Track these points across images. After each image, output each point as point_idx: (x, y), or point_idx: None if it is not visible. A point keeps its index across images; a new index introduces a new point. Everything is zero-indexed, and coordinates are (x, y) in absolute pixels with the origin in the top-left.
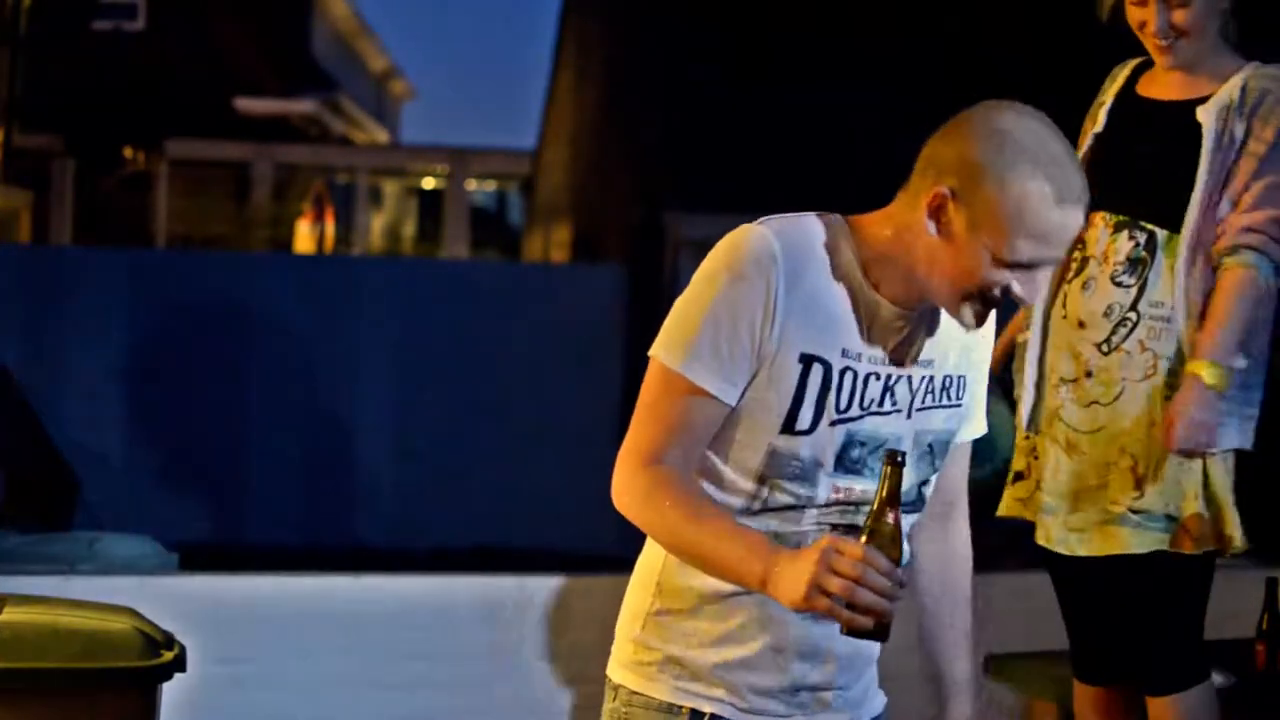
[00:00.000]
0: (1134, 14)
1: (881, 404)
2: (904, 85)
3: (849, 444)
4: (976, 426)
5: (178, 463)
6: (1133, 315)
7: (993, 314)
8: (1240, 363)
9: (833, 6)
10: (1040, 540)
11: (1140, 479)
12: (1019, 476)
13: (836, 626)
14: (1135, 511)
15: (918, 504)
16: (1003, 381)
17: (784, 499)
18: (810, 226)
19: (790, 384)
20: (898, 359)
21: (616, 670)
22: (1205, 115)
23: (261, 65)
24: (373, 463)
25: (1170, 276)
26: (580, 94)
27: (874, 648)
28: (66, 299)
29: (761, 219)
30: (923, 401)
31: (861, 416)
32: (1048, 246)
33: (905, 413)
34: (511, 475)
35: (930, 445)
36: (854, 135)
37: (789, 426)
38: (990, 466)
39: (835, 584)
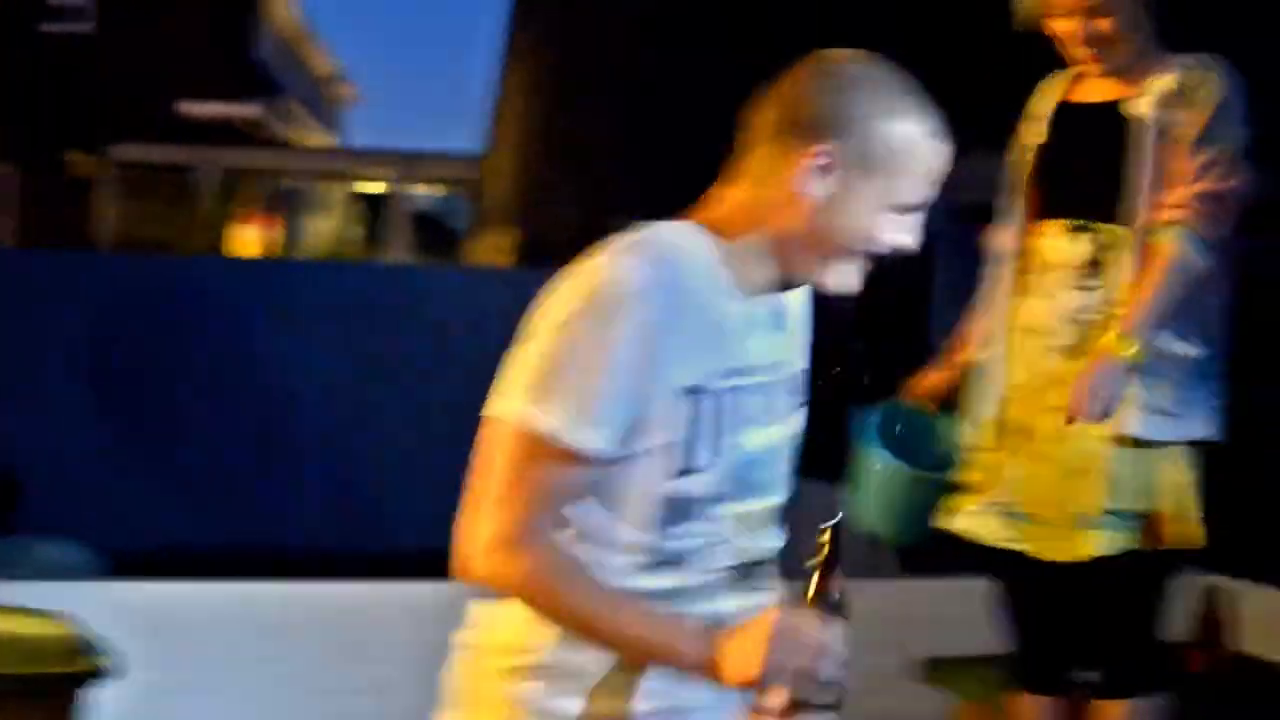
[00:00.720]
0: (1060, 25)
1: (768, 414)
2: None
3: (750, 465)
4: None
5: (115, 468)
6: (1095, 317)
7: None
8: (1179, 347)
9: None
10: (1011, 547)
11: (1109, 481)
12: (967, 489)
13: None
14: (1107, 513)
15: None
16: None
17: (689, 544)
18: (673, 240)
19: (680, 422)
20: (768, 363)
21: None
22: (1141, 108)
23: (206, 69)
24: (316, 467)
25: (1124, 274)
26: (527, 98)
27: None
28: (10, 302)
29: (621, 244)
30: (789, 403)
31: (755, 433)
32: (931, 186)
33: (784, 419)
34: (456, 478)
35: (793, 450)
36: None
37: (688, 467)
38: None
39: (799, 660)
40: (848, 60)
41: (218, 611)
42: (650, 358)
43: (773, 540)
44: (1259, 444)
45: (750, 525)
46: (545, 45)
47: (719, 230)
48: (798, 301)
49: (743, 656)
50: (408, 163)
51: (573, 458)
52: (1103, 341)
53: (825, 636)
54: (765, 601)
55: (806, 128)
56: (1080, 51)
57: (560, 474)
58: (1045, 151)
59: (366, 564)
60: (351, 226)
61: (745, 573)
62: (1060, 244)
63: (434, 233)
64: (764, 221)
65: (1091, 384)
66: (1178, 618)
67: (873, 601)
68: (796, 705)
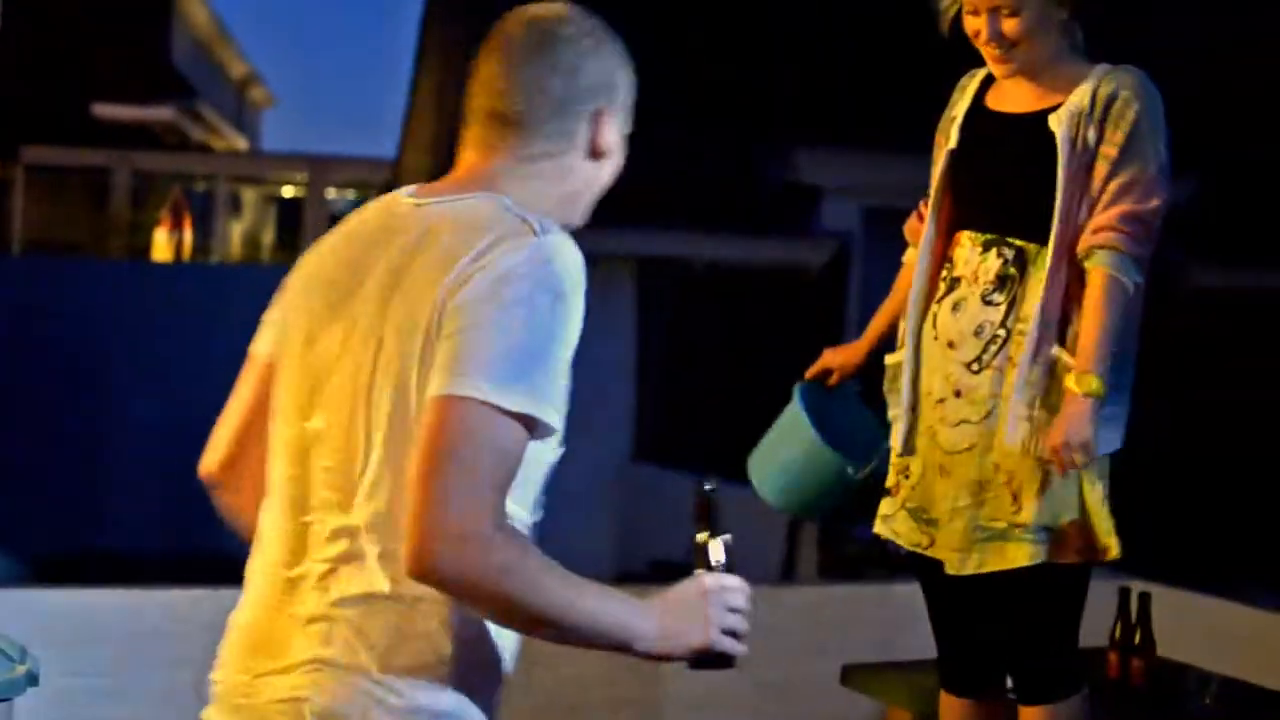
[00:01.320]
0: (969, 23)
1: None
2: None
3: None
4: None
5: (32, 472)
6: (1002, 332)
7: None
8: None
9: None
10: (923, 553)
11: (1016, 493)
12: (886, 493)
13: None
14: (1014, 525)
15: None
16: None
17: (537, 521)
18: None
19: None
20: None
21: None
22: (1057, 124)
23: (120, 71)
24: None
25: (1035, 290)
26: (442, 102)
27: None
28: None
29: (535, 225)
30: None
31: None
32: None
33: None
34: None
35: None
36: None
37: (561, 443)
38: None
39: (732, 620)
40: (553, 19)
41: (143, 618)
42: (575, 338)
43: None
44: (1175, 451)
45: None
46: (458, 51)
47: (533, 205)
48: None
49: (689, 625)
50: (322, 167)
51: (534, 436)
52: (1068, 385)
53: (742, 593)
54: None
55: (578, 94)
56: (986, 50)
57: (519, 454)
58: (957, 158)
59: None
60: (265, 230)
61: None
62: (971, 256)
63: None
64: (563, 192)
65: (1068, 433)
66: (1096, 622)
67: (796, 607)
68: (714, 660)
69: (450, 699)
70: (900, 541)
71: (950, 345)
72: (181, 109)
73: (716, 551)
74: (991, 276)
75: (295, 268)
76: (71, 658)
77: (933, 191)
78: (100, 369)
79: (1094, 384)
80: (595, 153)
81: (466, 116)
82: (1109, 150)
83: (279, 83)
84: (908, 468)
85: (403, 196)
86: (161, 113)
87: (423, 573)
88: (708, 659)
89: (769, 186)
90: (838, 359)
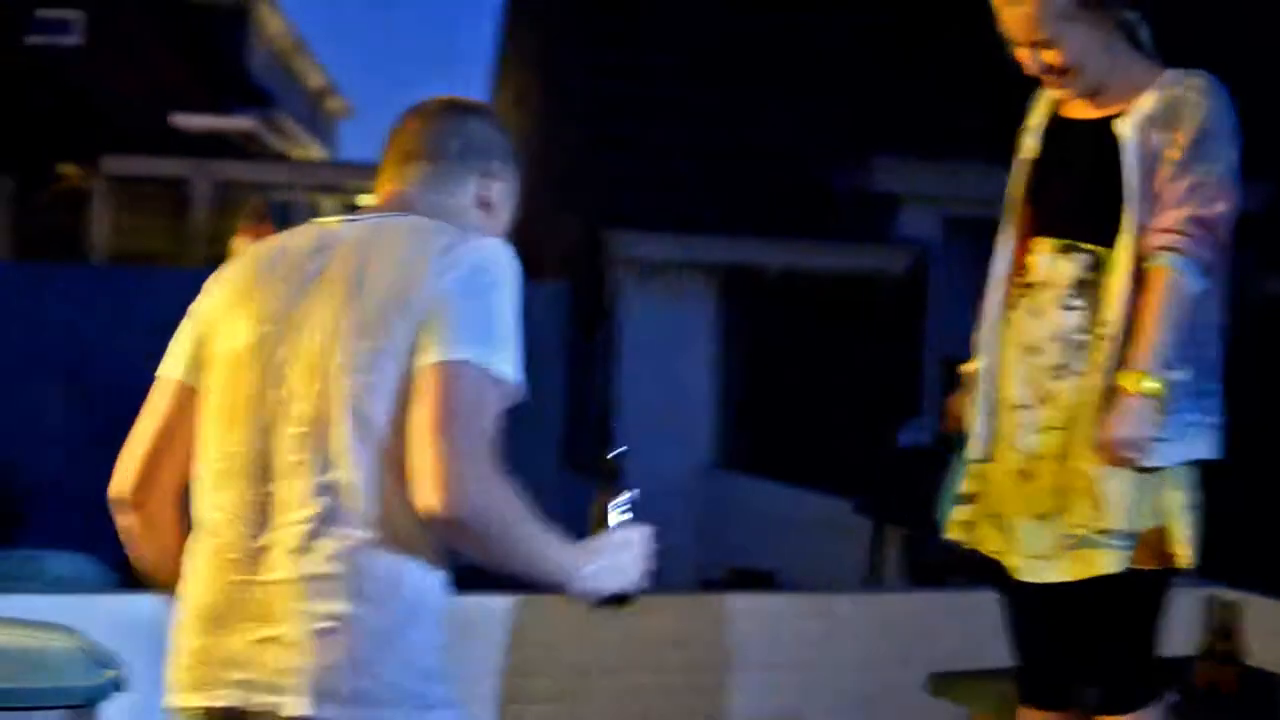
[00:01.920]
0: (1017, 54)
1: None
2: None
3: None
4: None
5: None
6: (1085, 338)
7: None
8: (1175, 374)
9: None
10: (1002, 561)
11: (1099, 500)
12: (966, 500)
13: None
14: (1100, 532)
15: None
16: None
17: None
18: None
19: None
20: None
21: (448, 712)
22: (1124, 129)
23: (198, 81)
24: None
25: (1112, 294)
26: (519, 111)
27: None
28: (5, 315)
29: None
30: None
31: None
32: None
33: None
34: None
35: None
36: (783, 152)
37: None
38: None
39: (644, 565)
40: (451, 102)
41: None
42: None
43: None
44: (1264, 459)
45: None
46: (534, 58)
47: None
48: None
49: (629, 565)
50: None
51: (507, 398)
52: (1117, 382)
53: (651, 542)
54: None
55: (473, 155)
56: (1042, 79)
57: (501, 413)
58: (1037, 167)
59: None
60: None
61: None
62: (1049, 262)
63: None
64: (458, 222)
65: (1122, 429)
66: (1185, 631)
67: (882, 615)
68: (620, 599)
69: (438, 633)
70: (981, 549)
71: (1031, 351)
72: (260, 119)
73: (622, 510)
74: (1069, 282)
75: (207, 295)
76: (159, 664)
77: (1012, 200)
78: None
79: (1147, 382)
80: (485, 203)
81: (384, 162)
82: (1174, 153)
83: (355, 92)
84: (985, 474)
85: (320, 221)
86: (240, 122)
87: (447, 514)
88: (614, 599)
89: (848, 194)
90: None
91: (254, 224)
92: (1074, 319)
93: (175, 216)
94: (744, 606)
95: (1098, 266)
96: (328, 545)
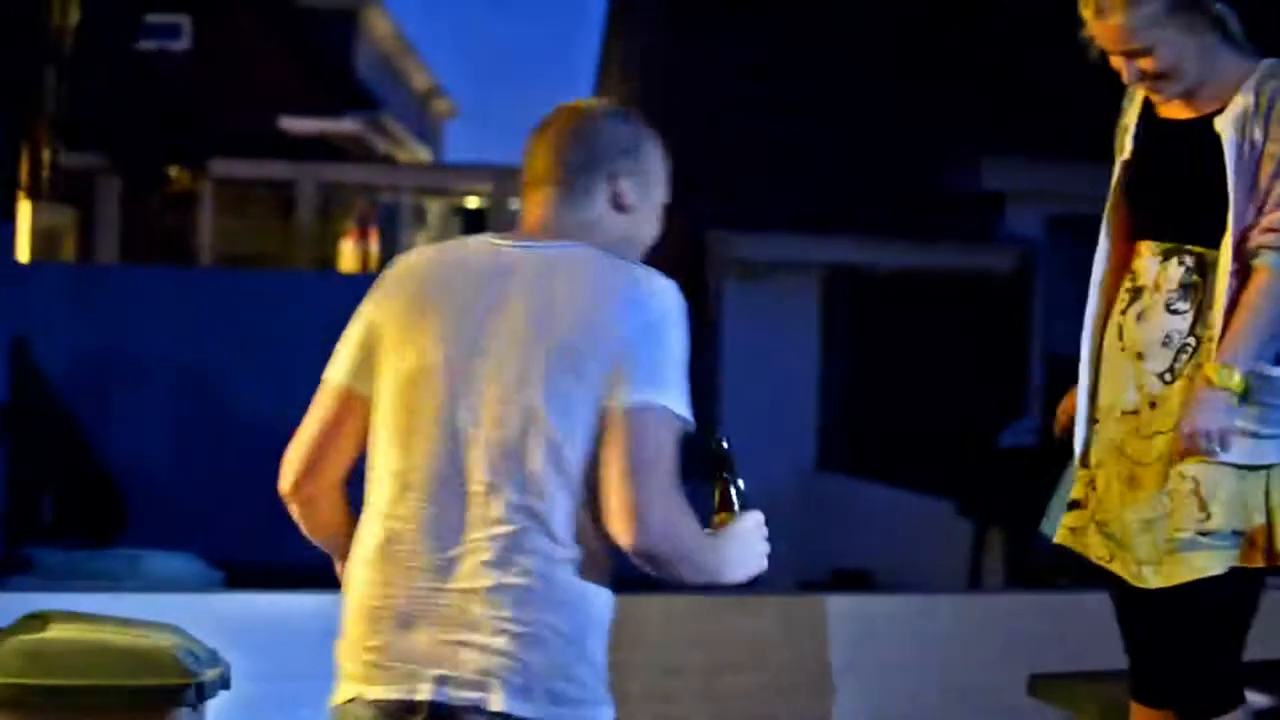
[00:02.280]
0: (1112, 62)
1: None
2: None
3: None
4: None
5: (223, 480)
6: (1191, 341)
7: None
8: (1270, 368)
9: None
10: (1109, 568)
11: (1204, 501)
12: (1075, 505)
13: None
14: (1203, 534)
15: None
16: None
17: None
18: None
19: None
20: None
21: (609, 710)
22: (1223, 127)
23: (305, 85)
24: None
25: (1217, 296)
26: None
27: None
28: (112, 317)
29: (640, 266)
30: None
31: None
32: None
33: None
34: None
35: None
36: (884, 153)
37: None
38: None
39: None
40: (587, 108)
41: (331, 623)
42: None
43: None
44: None
45: None
46: (640, 58)
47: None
48: None
49: (749, 558)
50: (505, 177)
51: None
52: (1203, 373)
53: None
54: None
55: (595, 165)
56: (1139, 86)
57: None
58: (1133, 168)
59: None
60: (451, 240)
61: None
62: (1154, 266)
63: None
64: (603, 236)
65: (1199, 420)
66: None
67: (984, 617)
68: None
69: (605, 641)
70: (1089, 555)
71: (1140, 356)
72: (366, 121)
73: (737, 495)
74: (1175, 285)
75: (375, 301)
76: (262, 662)
77: (1111, 201)
78: (287, 378)
79: (1232, 377)
80: (620, 207)
81: (524, 184)
82: (1275, 148)
83: (461, 94)
84: (1094, 480)
85: (491, 240)
86: (346, 125)
87: (641, 548)
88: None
89: (955, 194)
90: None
91: (360, 227)
92: (1180, 323)
93: (281, 219)
94: (844, 608)
95: (1202, 269)
96: (523, 560)
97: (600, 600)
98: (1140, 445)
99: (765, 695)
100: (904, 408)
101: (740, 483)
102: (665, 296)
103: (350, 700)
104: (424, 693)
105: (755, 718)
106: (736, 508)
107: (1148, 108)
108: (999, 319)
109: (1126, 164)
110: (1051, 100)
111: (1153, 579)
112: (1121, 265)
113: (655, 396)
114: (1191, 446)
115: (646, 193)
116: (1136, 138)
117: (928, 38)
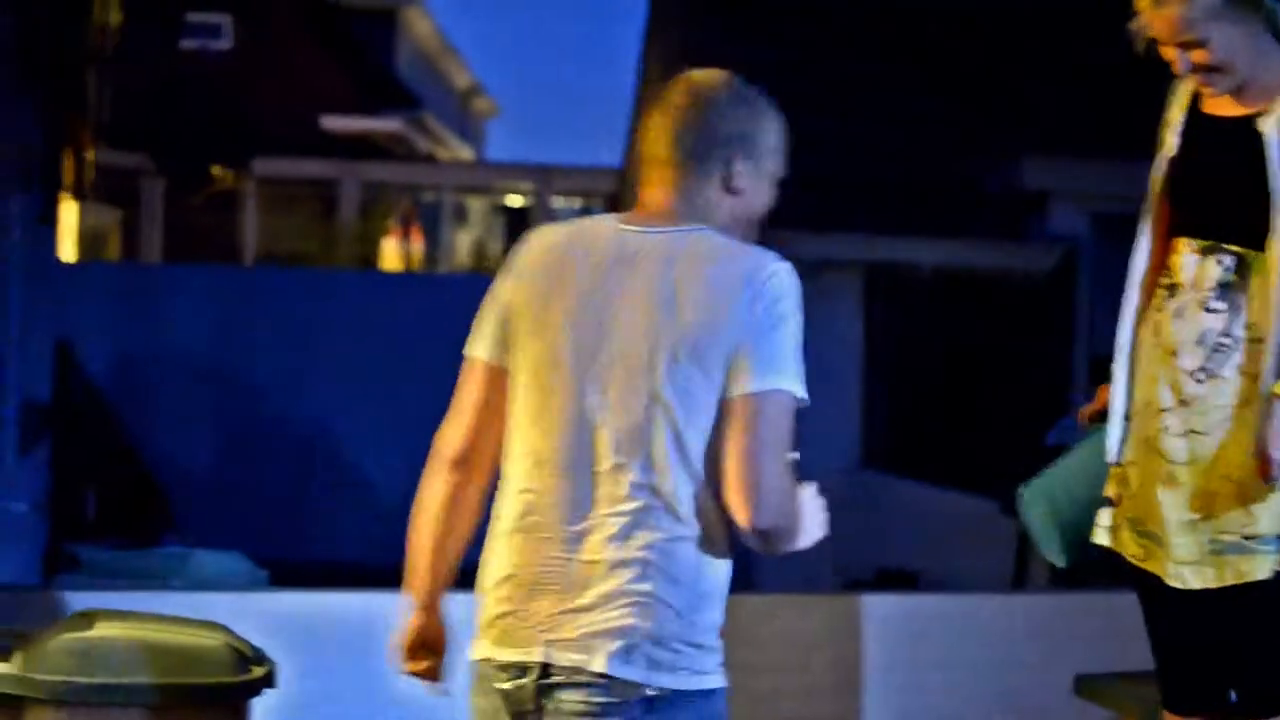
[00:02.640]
0: (1163, 53)
1: None
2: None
3: None
4: None
5: (268, 479)
6: (1228, 340)
7: None
8: None
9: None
10: (1144, 566)
11: (1249, 505)
12: (1109, 503)
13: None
14: (1248, 538)
15: None
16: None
17: None
18: None
19: None
20: None
21: (717, 678)
22: (1268, 128)
23: (347, 84)
24: None
25: (1262, 298)
26: None
27: None
28: (156, 316)
29: (760, 249)
30: None
31: None
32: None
33: None
34: None
35: None
36: (937, 151)
37: None
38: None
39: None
40: (704, 82)
41: (377, 621)
42: None
43: None
44: None
45: None
46: (681, 58)
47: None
48: None
49: (813, 525)
50: (547, 176)
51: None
52: (1273, 390)
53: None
54: None
55: (709, 149)
56: (1191, 79)
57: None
58: (1176, 165)
59: None
60: (492, 239)
61: None
62: (1193, 263)
63: None
64: (717, 217)
65: (1277, 446)
66: None
67: (1028, 616)
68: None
69: (720, 615)
70: (1123, 552)
71: (1174, 354)
72: (408, 120)
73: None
74: (1213, 284)
75: (508, 281)
76: (307, 660)
77: (1151, 198)
78: (330, 377)
79: None
80: (731, 190)
81: (642, 161)
82: None
83: (502, 92)
84: (1127, 477)
85: (615, 223)
86: (388, 124)
87: (760, 528)
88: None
89: (998, 192)
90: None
91: (401, 225)
92: (1216, 322)
93: (324, 218)
94: (889, 607)
95: (1241, 269)
96: (644, 536)
97: (718, 575)
98: (1175, 444)
99: (809, 695)
100: (948, 406)
101: (795, 455)
102: (782, 279)
103: (485, 659)
104: (536, 655)
105: (799, 718)
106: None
107: (1194, 104)
108: (1043, 317)
109: (1171, 160)
110: (1095, 98)
111: (1194, 580)
112: (1160, 262)
113: (775, 381)
114: (1273, 472)
115: (758, 171)
116: (1182, 134)
117: (970, 34)
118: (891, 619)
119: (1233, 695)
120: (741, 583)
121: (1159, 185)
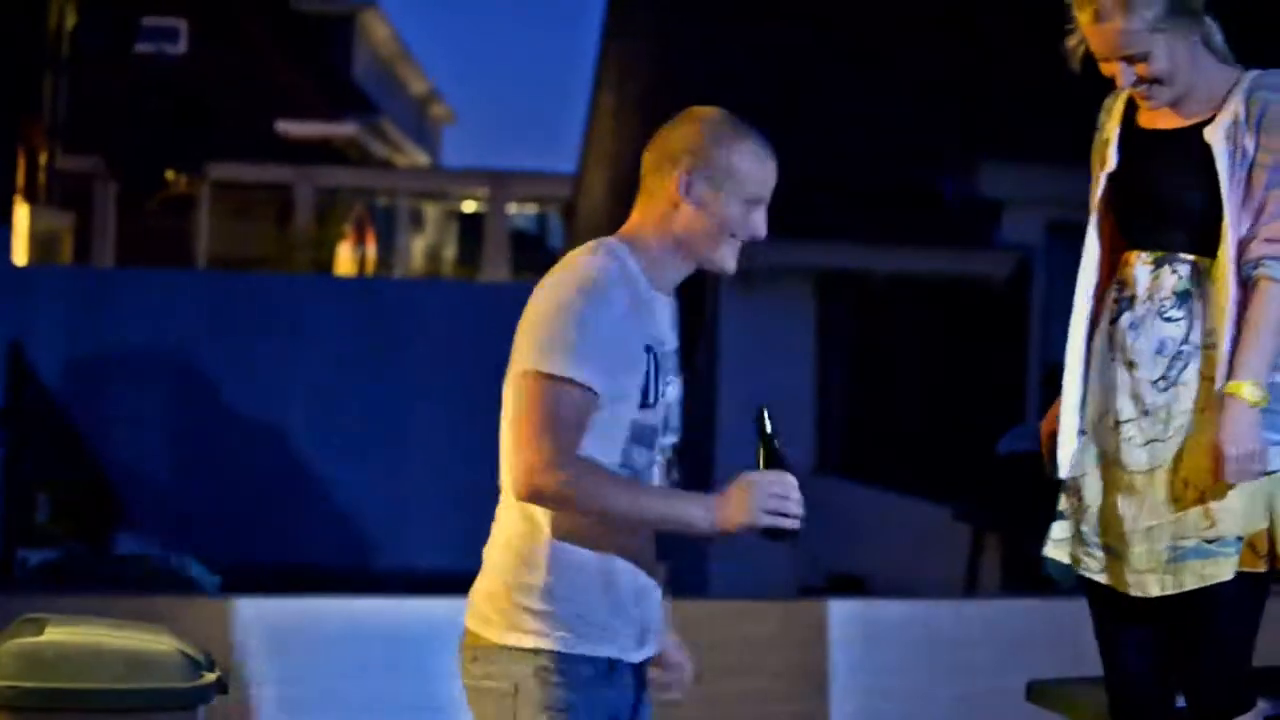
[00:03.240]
0: (1104, 68)
1: (668, 375)
2: (951, 99)
3: (670, 408)
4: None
5: (221, 484)
6: (1186, 348)
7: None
8: (1273, 374)
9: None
10: (1102, 580)
11: (1208, 509)
12: (1059, 516)
13: (647, 571)
14: (1209, 541)
15: (669, 451)
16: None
17: (639, 464)
18: (617, 249)
19: (642, 369)
20: (669, 338)
21: (525, 637)
22: (1214, 137)
23: (303, 88)
24: (416, 485)
25: (1218, 304)
26: (621, 116)
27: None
28: (109, 320)
29: (587, 252)
30: (672, 370)
31: (667, 388)
32: (764, 186)
33: (674, 380)
34: None
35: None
36: (896, 152)
37: (645, 402)
38: None
39: (774, 503)
40: (696, 109)
41: (329, 627)
42: (622, 324)
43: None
44: None
45: (667, 456)
46: (637, 66)
47: (638, 245)
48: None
49: (738, 507)
50: (502, 182)
51: (586, 396)
52: (1228, 391)
53: (784, 483)
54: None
55: (671, 162)
56: (1132, 92)
57: (580, 409)
58: (1118, 180)
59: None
60: (447, 245)
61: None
62: (1147, 274)
63: (529, 251)
64: (662, 234)
65: (1242, 443)
66: None
67: (981, 621)
68: (772, 533)
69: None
70: (1075, 567)
71: (1132, 365)
72: (364, 125)
73: (769, 451)
74: (1168, 293)
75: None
76: (259, 666)
77: (1093, 213)
78: (283, 382)
79: (1257, 393)
80: (673, 203)
81: None
82: (1265, 158)
83: (459, 99)
84: (1080, 491)
85: None
86: (344, 129)
87: (520, 496)
88: (770, 533)
89: (952, 199)
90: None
91: (357, 230)
92: (1175, 330)
93: (278, 222)
94: (844, 613)
95: (1196, 277)
96: (500, 525)
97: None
98: (1135, 454)
99: (765, 699)
100: (901, 412)
101: (772, 447)
102: (568, 269)
103: (615, 659)
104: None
105: None
106: (760, 467)
107: (1128, 119)
108: (996, 324)
109: (1112, 176)
110: (1049, 105)
111: (1154, 588)
112: (1107, 275)
113: (522, 362)
114: (1242, 469)
115: (715, 187)
116: (1119, 148)
117: (926, 42)
118: (849, 623)
119: (1180, 701)
120: (700, 588)
121: (1101, 201)
